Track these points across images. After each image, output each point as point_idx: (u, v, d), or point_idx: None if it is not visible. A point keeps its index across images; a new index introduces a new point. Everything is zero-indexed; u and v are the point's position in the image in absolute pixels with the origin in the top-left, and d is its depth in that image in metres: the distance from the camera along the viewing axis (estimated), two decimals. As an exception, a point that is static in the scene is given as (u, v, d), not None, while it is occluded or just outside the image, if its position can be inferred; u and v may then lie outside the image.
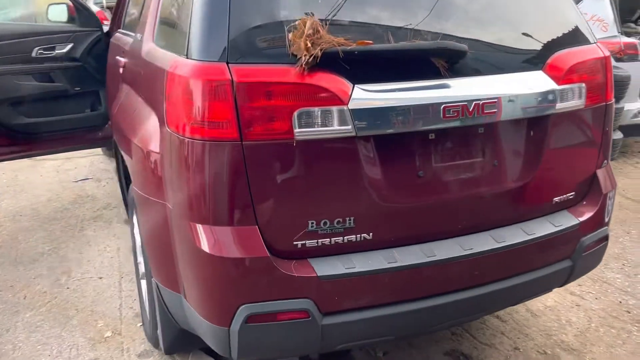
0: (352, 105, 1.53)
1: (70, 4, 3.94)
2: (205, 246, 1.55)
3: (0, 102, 3.65)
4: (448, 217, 1.76)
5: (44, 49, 3.79)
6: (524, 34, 1.83)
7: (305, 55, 1.49)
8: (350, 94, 1.53)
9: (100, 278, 2.90)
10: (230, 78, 1.48)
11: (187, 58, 1.58)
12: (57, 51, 3.84)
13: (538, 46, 1.82)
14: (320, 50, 1.49)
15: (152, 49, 1.92)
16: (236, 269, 1.56)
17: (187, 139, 1.53)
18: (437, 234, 1.75)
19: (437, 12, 1.71)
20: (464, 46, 1.60)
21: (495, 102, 1.67)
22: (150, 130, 1.81)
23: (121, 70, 2.46)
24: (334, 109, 1.53)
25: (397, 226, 1.69)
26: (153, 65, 1.83)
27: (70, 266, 3.02)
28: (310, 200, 1.58)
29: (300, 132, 1.51)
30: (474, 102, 1.64)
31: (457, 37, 1.69)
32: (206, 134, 1.51)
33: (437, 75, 1.62)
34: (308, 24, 1.49)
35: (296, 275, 1.56)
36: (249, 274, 1.57)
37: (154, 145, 1.74)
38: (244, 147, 1.50)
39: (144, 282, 2.47)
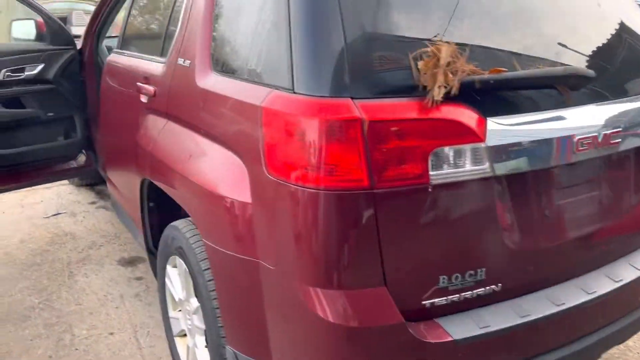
0: (489, 141, 1.35)
1: (40, 19, 3.52)
2: (326, 314, 1.31)
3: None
4: (567, 257, 1.61)
5: (12, 71, 3.35)
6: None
7: (440, 86, 1.29)
8: (485, 128, 1.35)
9: (111, 334, 2.53)
10: (359, 116, 1.25)
11: (292, 92, 1.33)
12: (26, 73, 3.41)
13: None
14: (459, 81, 1.29)
15: (218, 79, 1.64)
16: (365, 338, 1.33)
17: (301, 188, 1.29)
18: (557, 276, 1.59)
19: (552, 34, 1.56)
20: (591, 71, 1.46)
21: (620, 130, 1.54)
22: (228, 174, 1.53)
23: (145, 99, 2.14)
24: (470, 146, 1.34)
25: (523, 273, 1.52)
26: (227, 99, 1.56)
27: (71, 321, 2.62)
28: (443, 252, 1.38)
29: (436, 175, 1.31)
30: (603, 132, 1.50)
31: (575, 59, 1.55)
32: (329, 182, 1.27)
33: (562, 103, 1.47)
34: (446, 51, 1.29)
35: (431, 341, 1.35)
36: (379, 344, 1.34)
37: (240, 193, 1.47)
38: (374, 196, 1.28)
39: (179, 340, 2.16)
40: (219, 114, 1.60)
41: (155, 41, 2.25)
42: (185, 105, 1.80)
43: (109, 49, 3.85)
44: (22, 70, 3.37)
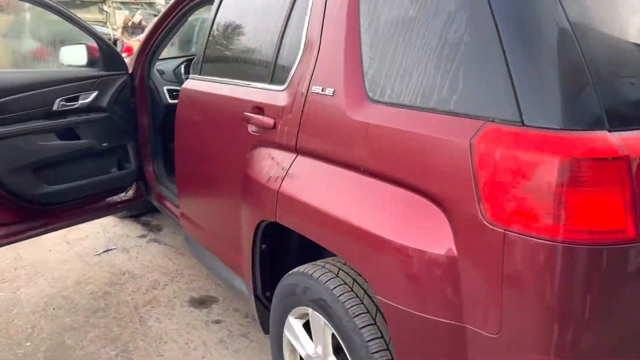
0: None
1: (92, 44, 3.29)
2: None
3: (20, 169, 2.93)
4: None
5: (66, 100, 3.12)
6: None
7: None
8: None
9: (207, 390, 2.27)
10: (624, 152, 1.03)
11: (519, 125, 1.11)
12: (80, 101, 3.19)
13: None
14: None
15: (383, 111, 1.41)
16: None
17: (546, 242, 1.06)
18: None
19: None
20: None
21: None
22: (415, 221, 1.29)
23: (255, 130, 1.91)
24: None
25: None
26: (404, 134, 1.32)
27: (157, 377, 2.37)
28: None
29: None
30: None
31: None
32: (583, 236, 1.04)
33: None
34: None
35: None
36: None
37: (438, 244, 1.23)
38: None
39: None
40: (392, 151, 1.36)
41: (260, 65, 2.02)
42: (330, 140, 1.56)
43: (161, 73, 3.64)
44: (76, 98, 3.15)
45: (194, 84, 2.51)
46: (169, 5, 3.13)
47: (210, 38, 2.45)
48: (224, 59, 2.38)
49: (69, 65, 3.33)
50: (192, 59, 3.72)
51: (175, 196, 3.35)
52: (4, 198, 2.92)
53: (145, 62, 3.43)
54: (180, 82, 3.66)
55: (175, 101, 3.60)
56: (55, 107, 3.05)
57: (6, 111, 2.84)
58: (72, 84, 3.11)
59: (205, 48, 2.48)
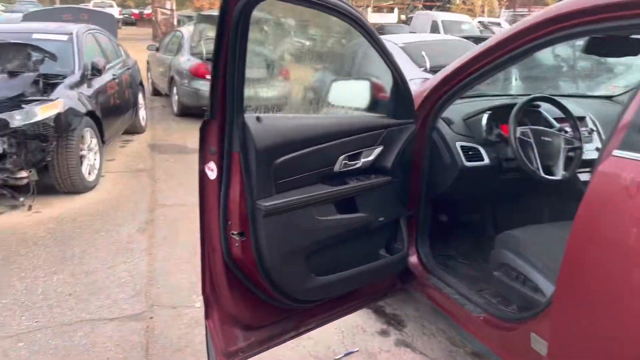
0: None
1: (377, 81, 2.43)
2: None
3: (293, 255, 2.08)
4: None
5: (349, 158, 2.25)
6: None
7: None
8: None
9: None
10: None
11: None
12: (362, 160, 2.30)
13: None
14: None
15: None
16: None
17: None
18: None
19: None
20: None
21: None
22: None
23: None
24: None
25: None
26: None
27: None
28: None
29: None
30: None
31: None
32: None
33: None
34: None
35: None
36: None
37: None
38: None
39: None
40: None
41: None
42: None
43: (447, 121, 2.68)
44: (358, 155, 2.27)
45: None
46: (506, 31, 2.17)
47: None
48: None
49: (341, 106, 2.48)
50: (507, 106, 2.76)
51: (464, 297, 2.36)
52: (271, 297, 2.07)
53: (433, 108, 2.50)
54: (475, 137, 2.68)
55: (475, 164, 2.64)
56: (337, 168, 2.18)
57: (288, 172, 2.01)
58: (357, 136, 2.24)
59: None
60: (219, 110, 1.86)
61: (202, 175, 1.96)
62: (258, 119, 1.92)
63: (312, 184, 2.12)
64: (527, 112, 2.70)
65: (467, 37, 9.53)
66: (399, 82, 2.32)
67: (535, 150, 2.49)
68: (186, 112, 8.75)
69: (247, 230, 1.93)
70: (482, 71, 2.25)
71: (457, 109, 2.70)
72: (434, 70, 4.84)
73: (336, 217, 2.17)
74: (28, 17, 11.89)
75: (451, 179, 2.57)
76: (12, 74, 4.88)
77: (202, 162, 1.94)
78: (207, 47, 8.53)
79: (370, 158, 2.29)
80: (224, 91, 1.81)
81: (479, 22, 20.52)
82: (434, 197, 2.65)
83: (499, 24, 20.03)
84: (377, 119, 2.37)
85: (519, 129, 2.51)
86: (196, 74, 8.29)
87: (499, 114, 2.67)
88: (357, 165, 2.25)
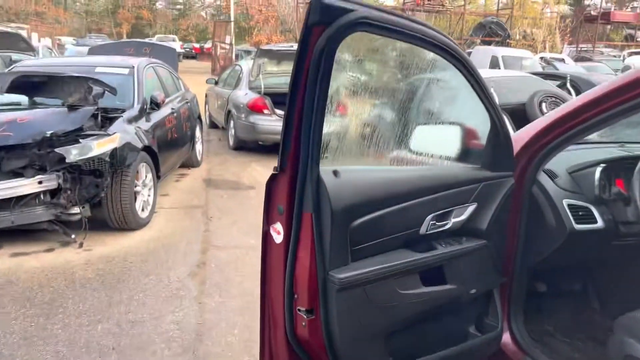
0: None
1: (469, 126, 2.08)
2: None
3: (373, 335, 1.72)
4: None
5: (438, 218, 1.88)
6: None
7: None
8: None
9: None
10: None
11: None
12: (453, 220, 1.93)
13: None
14: None
15: None
16: None
17: None
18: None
19: None
20: None
21: None
22: None
23: None
24: None
25: None
26: None
27: None
28: None
29: None
30: None
31: None
32: None
33: None
34: None
35: None
36: None
37: None
38: None
39: None
40: None
41: None
42: None
43: (552, 175, 2.28)
44: (448, 215, 1.90)
45: None
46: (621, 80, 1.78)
47: None
48: None
49: (425, 155, 2.13)
50: (623, 159, 2.35)
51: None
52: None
53: (534, 158, 2.11)
54: (585, 194, 2.26)
55: (587, 227, 2.22)
56: (423, 230, 1.82)
57: (367, 236, 1.67)
58: (447, 192, 1.88)
59: None
60: (289, 162, 1.55)
61: (266, 237, 1.65)
62: (335, 173, 1.60)
63: (393, 249, 1.77)
64: None
65: (535, 74, 9.04)
66: (498, 126, 1.95)
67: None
68: (242, 145, 8.64)
69: (317, 307, 1.59)
70: (603, 116, 1.86)
71: (561, 160, 2.28)
72: (502, 107, 4.45)
73: (422, 291, 1.79)
74: (94, 50, 12.28)
75: (556, 243, 2.15)
76: (72, 108, 4.81)
77: (267, 222, 1.63)
78: (266, 81, 8.42)
79: (462, 217, 1.92)
80: (297, 140, 1.51)
81: (541, 57, 19.78)
82: (533, 264, 2.23)
83: (562, 60, 19.25)
84: (470, 170, 2.00)
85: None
86: (253, 108, 8.16)
87: (614, 167, 2.25)
88: (447, 227, 1.88)
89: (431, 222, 1.82)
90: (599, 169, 2.24)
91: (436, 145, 2.09)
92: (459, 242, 1.92)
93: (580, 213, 2.16)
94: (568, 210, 2.14)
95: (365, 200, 1.64)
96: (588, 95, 1.91)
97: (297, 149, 1.51)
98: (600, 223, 2.18)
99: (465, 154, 2.04)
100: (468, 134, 2.04)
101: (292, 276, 1.58)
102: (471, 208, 1.93)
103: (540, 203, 2.18)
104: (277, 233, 1.60)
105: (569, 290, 2.61)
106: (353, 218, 1.62)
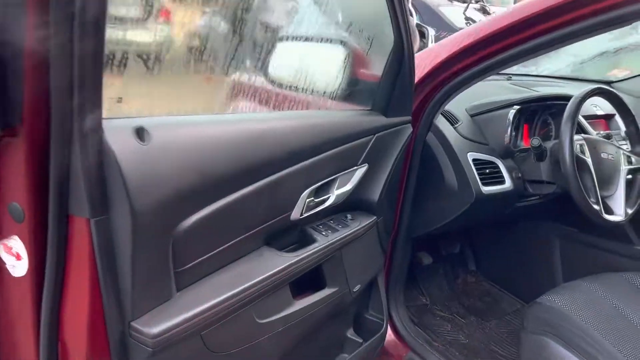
0: None
1: (357, 47, 1.40)
2: None
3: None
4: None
5: (317, 192, 1.21)
6: None
7: None
8: None
9: None
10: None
11: None
12: (336, 192, 1.27)
13: None
14: None
15: None
16: None
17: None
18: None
19: None
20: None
21: None
22: None
23: None
24: None
25: None
26: None
27: None
28: None
29: None
30: None
31: None
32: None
33: None
34: None
35: None
36: None
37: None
38: None
39: None
40: None
41: None
42: None
43: (451, 119, 1.72)
44: (330, 186, 1.23)
45: None
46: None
47: None
48: None
49: (289, 88, 1.39)
50: (560, 99, 1.81)
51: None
52: None
53: (431, 97, 1.51)
54: (490, 144, 1.76)
55: (494, 189, 1.70)
56: (295, 214, 1.14)
57: (203, 245, 0.92)
58: (327, 154, 1.20)
59: None
60: (30, 109, 0.70)
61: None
62: (140, 132, 0.79)
63: (250, 252, 1.05)
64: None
65: None
66: (405, 49, 1.29)
67: (594, 175, 1.59)
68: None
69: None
70: (524, 48, 1.29)
71: (458, 98, 1.70)
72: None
73: (294, 310, 1.13)
74: None
75: (456, 211, 1.62)
76: None
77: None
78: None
79: (348, 187, 1.25)
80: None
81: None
82: (421, 234, 1.70)
83: None
84: (358, 116, 1.32)
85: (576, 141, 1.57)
86: None
87: (524, 111, 1.76)
88: (328, 203, 1.21)
89: (307, 200, 1.13)
90: (512, 112, 1.72)
91: (306, 74, 1.36)
92: (344, 224, 1.28)
93: (487, 170, 1.64)
94: (474, 168, 1.60)
95: (200, 181, 0.88)
96: (506, 15, 1.32)
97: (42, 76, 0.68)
98: (508, 183, 1.69)
99: (350, 90, 1.35)
100: (356, 59, 1.35)
101: (54, 342, 0.79)
102: (360, 172, 1.28)
103: (439, 157, 1.61)
104: (15, 257, 0.77)
105: (446, 256, 2.19)
106: (178, 217, 0.85)
